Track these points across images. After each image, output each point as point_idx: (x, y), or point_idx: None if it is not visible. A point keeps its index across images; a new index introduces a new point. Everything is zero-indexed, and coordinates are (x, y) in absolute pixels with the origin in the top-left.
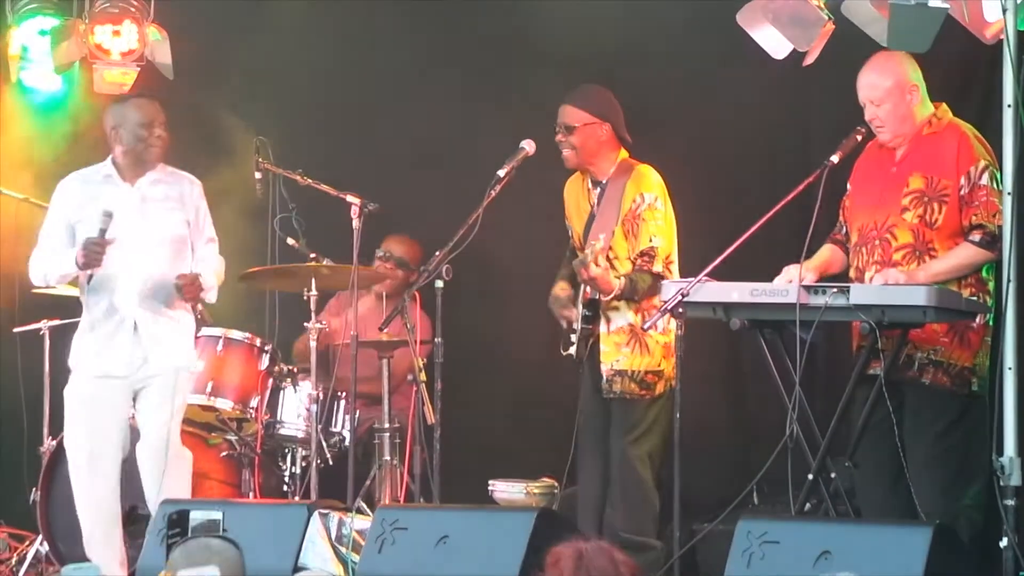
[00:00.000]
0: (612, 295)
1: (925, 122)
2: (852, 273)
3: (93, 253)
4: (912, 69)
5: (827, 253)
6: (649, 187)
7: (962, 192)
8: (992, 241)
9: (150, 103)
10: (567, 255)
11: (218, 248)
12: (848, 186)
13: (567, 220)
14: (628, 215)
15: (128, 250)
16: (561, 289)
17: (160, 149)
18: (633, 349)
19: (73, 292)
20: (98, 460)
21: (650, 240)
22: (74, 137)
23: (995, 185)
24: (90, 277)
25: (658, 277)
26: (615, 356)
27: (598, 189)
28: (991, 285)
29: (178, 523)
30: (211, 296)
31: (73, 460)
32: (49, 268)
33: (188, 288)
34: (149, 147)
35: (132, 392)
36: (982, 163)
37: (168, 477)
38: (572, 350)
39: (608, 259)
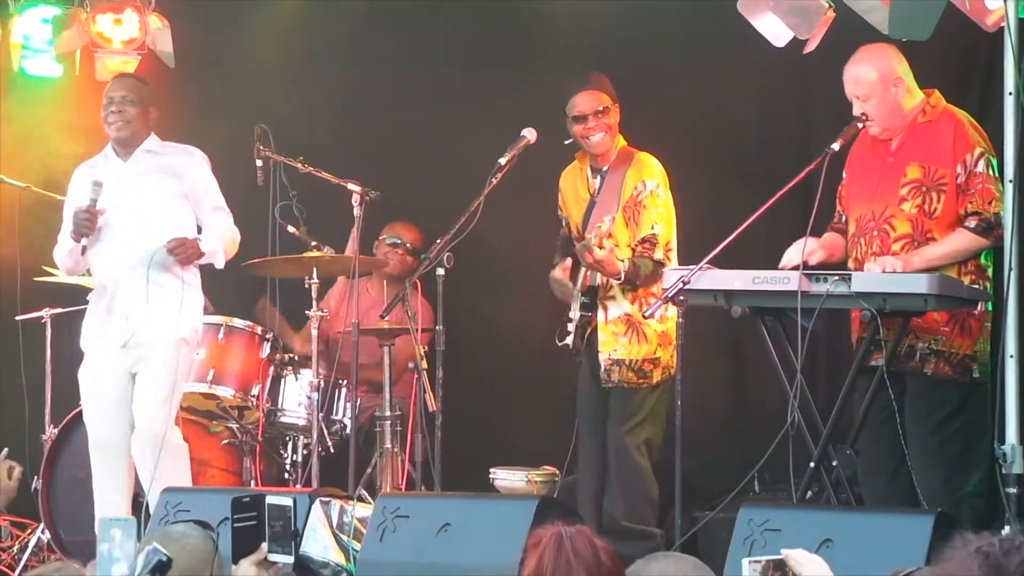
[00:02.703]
0: (618, 278)
1: (918, 111)
2: (851, 264)
3: (82, 222)
4: (897, 61)
5: (831, 237)
6: (651, 174)
7: (959, 180)
8: (988, 228)
9: (115, 80)
10: (559, 243)
11: (230, 218)
12: (843, 174)
13: (561, 210)
14: (629, 202)
15: (115, 224)
16: (561, 269)
17: (118, 124)
18: (631, 339)
19: (76, 280)
20: (102, 441)
21: (652, 227)
22: (75, 125)
23: (991, 172)
24: (84, 249)
25: (659, 264)
26: (613, 345)
27: (598, 177)
28: (990, 271)
29: (252, 507)
30: (218, 261)
31: (89, 440)
32: (60, 253)
33: (177, 250)
34: (108, 124)
35: (129, 372)
36: (978, 150)
37: (164, 464)
38: (568, 340)
39: None
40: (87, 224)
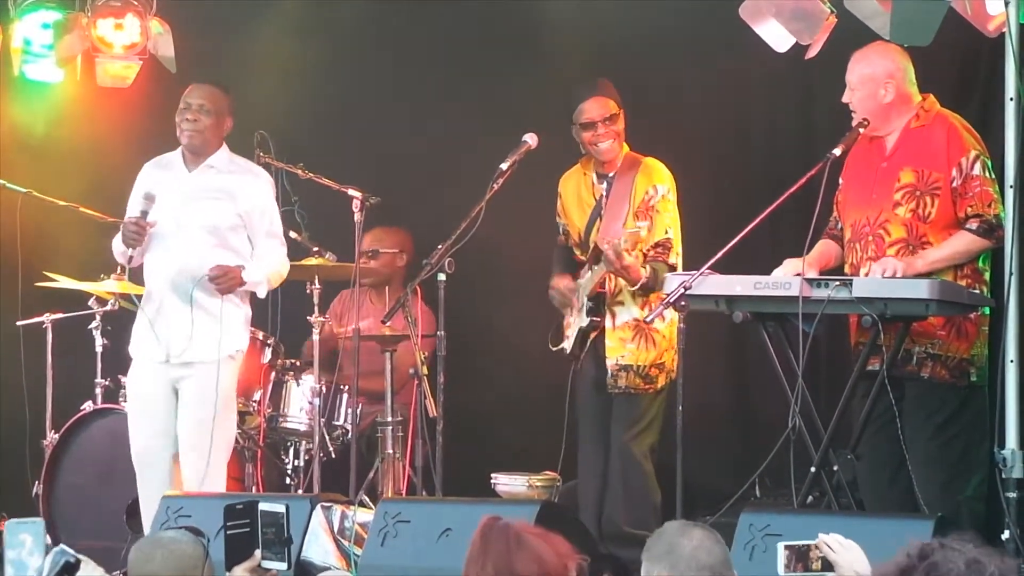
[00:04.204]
0: (636, 285)
1: (912, 115)
2: (847, 269)
3: (130, 233)
4: (898, 67)
5: (822, 247)
6: (662, 179)
7: (954, 184)
8: (989, 229)
9: (194, 87)
10: (557, 252)
11: (282, 247)
12: (840, 180)
13: (560, 216)
14: (640, 207)
15: (169, 237)
16: (562, 282)
17: (189, 132)
18: (639, 344)
19: (77, 286)
20: (145, 451)
21: (666, 232)
22: (76, 130)
23: (987, 174)
24: (131, 258)
25: (672, 269)
26: (621, 351)
27: (604, 183)
28: (987, 275)
29: (245, 513)
30: (260, 291)
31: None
32: (115, 249)
33: (219, 280)
34: (181, 131)
35: (172, 383)
36: (973, 153)
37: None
38: (565, 344)
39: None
40: (135, 237)
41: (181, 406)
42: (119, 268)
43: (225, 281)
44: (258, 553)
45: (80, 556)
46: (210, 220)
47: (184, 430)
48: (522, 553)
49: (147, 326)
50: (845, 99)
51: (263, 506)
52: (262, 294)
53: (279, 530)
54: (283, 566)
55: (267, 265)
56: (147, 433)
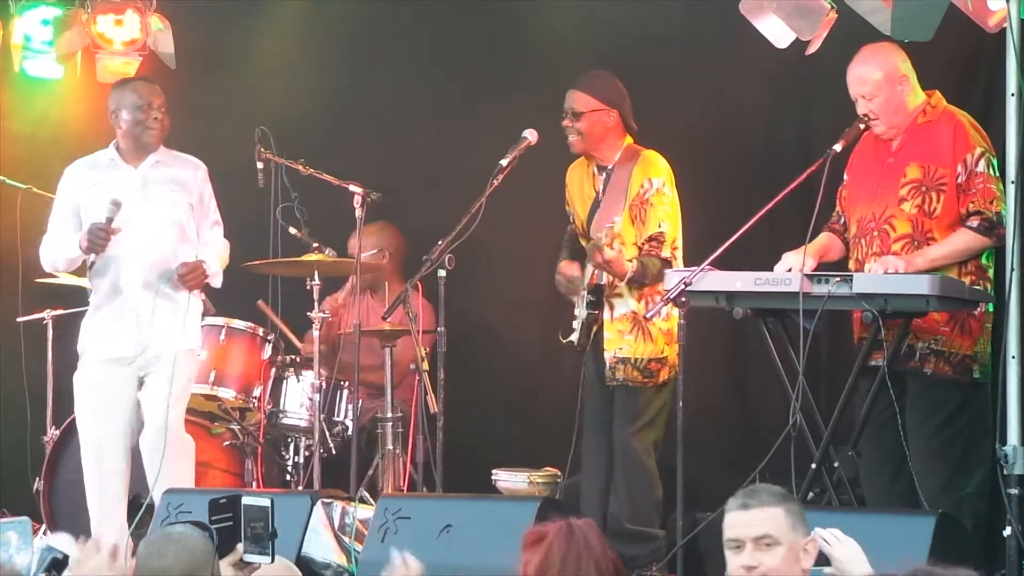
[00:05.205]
0: (625, 279)
1: (919, 111)
2: (852, 265)
3: (97, 239)
4: (901, 60)
5: (824, 239)
6: (657, 172)
7: (959, 180)
8: (990, 227)
9: (148, 85)
10: (566, 238)
11: (223, 231)
12: (845, 176)
13: (568, 205)
14: (635, 200)
15: (131, 233)
16: (567, 265)
17: (158, 131)
18: (636, 337)
19: (76, 282)
20: (106, 446)
21: (659, 225)
22: (76, 126)
23: (991, 171)
24: (92, 263)
25: (666, 262)
26: (618, 344)
27: (603, 175)
28: (991, 272)
29: (228, 507)
30: (216, 281)
31: (83, 446)
32: (56, 253)
33: (190, 276)
34: (147, 129)
35: (137, 377)
36: (978, 150)
37: (169, 463)
38: (573, 337)
39: None
40: (101, 243)
41: (152, 400)
42: None
43: (194, 277)
44: (240, 547)
45: (67, 552)
46: (171, 213)
47: (152, 410)
48: (603, 540)
49: (108, 321)
50: (861, 111)
51: (247, 500)
52: (218, 284)
53: (265, 524)
54: (267, 559)
55: (216, 254)
56: (108, 429)
